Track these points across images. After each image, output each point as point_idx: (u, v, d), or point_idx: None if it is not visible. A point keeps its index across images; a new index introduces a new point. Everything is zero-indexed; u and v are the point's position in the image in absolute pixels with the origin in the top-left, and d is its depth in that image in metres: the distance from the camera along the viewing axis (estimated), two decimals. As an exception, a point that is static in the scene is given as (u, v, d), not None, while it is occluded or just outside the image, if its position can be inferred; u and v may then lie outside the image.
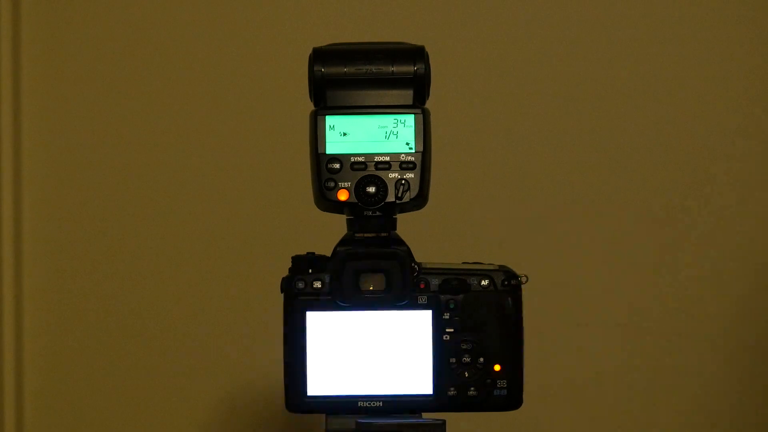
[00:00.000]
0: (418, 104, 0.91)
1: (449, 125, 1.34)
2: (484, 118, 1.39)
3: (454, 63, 1.37)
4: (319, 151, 0.89)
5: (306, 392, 0.90)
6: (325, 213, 0.91)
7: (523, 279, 0.92)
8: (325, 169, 0.89)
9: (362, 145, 0.89)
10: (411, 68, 0.90)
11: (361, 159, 0.89)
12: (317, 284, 0.90)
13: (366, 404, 0.90)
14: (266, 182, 1.39)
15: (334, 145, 0.89)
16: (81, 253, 1.41)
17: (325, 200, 0.89)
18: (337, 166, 0.89)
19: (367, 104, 0.90)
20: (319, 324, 0.90)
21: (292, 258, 0.91)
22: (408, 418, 0.90)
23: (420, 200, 0.90)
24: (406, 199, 0.89)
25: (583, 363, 1.40)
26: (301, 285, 0.90)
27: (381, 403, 0.90)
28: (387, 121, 0.90)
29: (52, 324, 1.41)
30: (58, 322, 1.41)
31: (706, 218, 1.39)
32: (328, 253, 0.91)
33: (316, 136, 0.89)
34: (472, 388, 0.90)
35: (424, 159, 0.90)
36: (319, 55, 0.91)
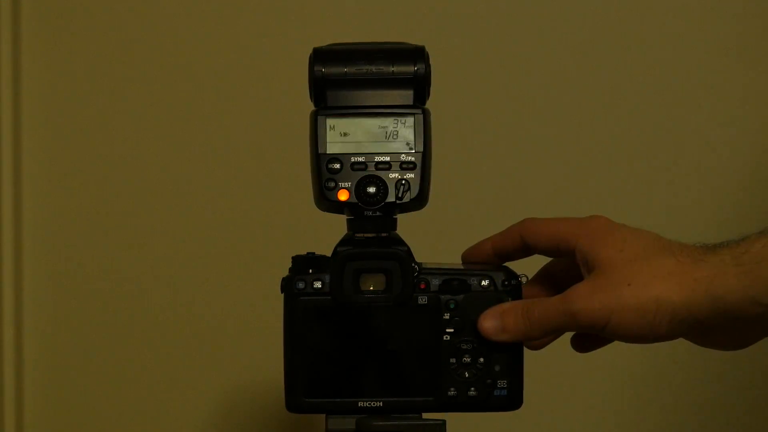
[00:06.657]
0: (418, 104, 0.91)
1: (449, 125, 1.34)
2: (485, 118, 1.39)
3: (454, 63, 1.37)
4: (320, 152, 0.89)
5: (306, 392, 0.90)
6: (325, 213, 0.91)
7: (523, 279, 0.92)
8: (326, 170, 0.89)
9: (362, 145, 0.89)
10: (411, 68, 0.90)
11: (361, 159, 0.89)
12: (317, 284, 0.90)
13: (366, 404, 0.90)
14: (266, 182, 1.39)
15: (334, 145, 0.89)
16: (81, 253, 1.41)
17: (326, 200, 0.89)
18: (338, 166, 0.89)
19: (367, 104, 0.90)
20: (319, 324, 0.90)
21: (292, 258, 0.91)
22: (408, 419, 0.90)
23: (420, 200, 0.90)
24: (406, 199, 0.89)
25: (583, 363, 1.40)
26: (301, 285, 0.90)
27: (381, 403, 0.90)
28: (387, 121, 0.90)
29: (52, 324, 1.42)
30: (58, 322, 1.41)
31: (709, 220, 1.39)
32: (328, 253, 0.91)
33: (317, 136, 0.90)
34: (472, 388, 0.90)
35: (424, 159, 0.90)
36: (319, 55, 0.91)
